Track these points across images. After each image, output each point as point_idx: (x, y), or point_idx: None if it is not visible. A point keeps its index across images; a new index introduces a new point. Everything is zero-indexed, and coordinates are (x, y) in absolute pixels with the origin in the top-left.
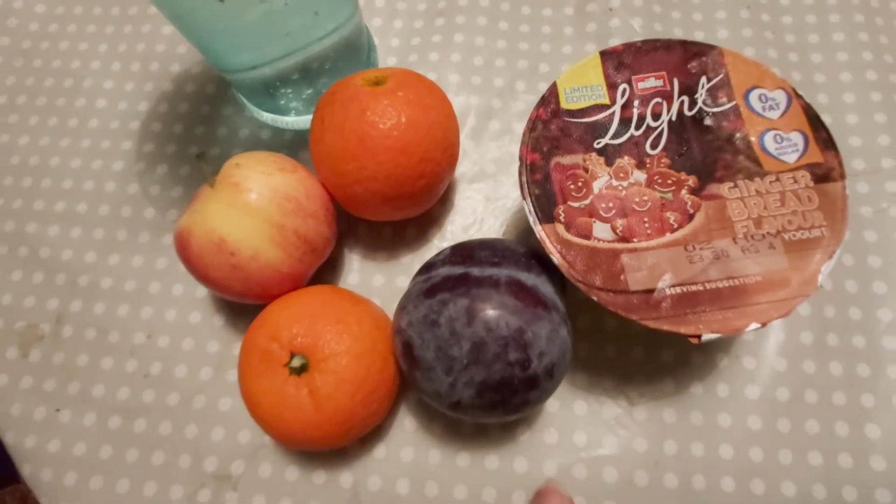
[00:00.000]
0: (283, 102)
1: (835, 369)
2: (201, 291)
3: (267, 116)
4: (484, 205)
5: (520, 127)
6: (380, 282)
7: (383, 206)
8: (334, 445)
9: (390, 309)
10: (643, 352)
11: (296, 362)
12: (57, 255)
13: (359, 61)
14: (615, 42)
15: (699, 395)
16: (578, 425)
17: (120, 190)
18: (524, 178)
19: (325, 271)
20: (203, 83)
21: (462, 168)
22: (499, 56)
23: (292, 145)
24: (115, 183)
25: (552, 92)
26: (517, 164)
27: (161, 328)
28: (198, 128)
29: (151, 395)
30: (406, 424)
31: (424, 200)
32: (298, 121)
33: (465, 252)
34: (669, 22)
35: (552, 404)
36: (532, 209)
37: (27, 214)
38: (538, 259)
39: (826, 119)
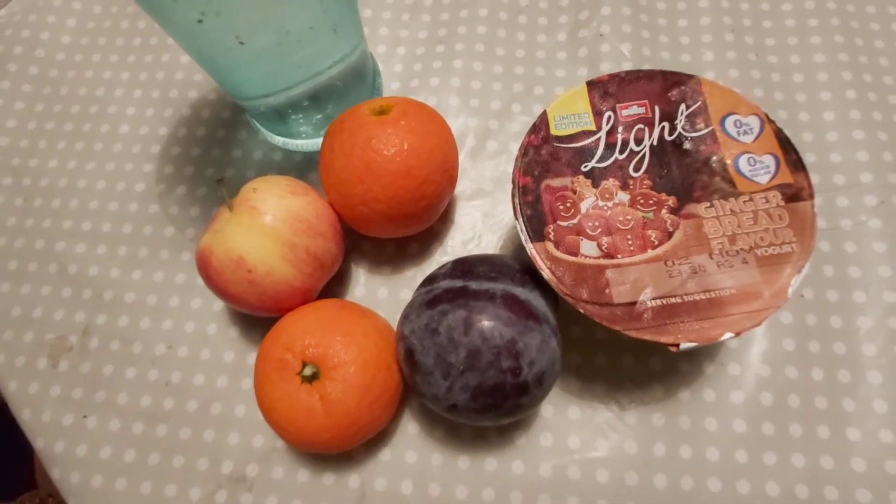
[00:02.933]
0: (293, 127)
1: (816, 375)
2: (217, 305)
3: (279, 140)
4: (482, 221)
5: (516, 147)
6: (384, 294)
7: (387, 225)
8: (343, 448)
9: (395, 320)
10: (632, 360)
11: (308, 371)
12: (84, 271)
13: (365, 87)
14: (606, 66)
15: (686, 400)
16: (572, 429)
17: (142, 210)
18: (517, 200)
19: (334, 285)
20: (219, 109)
21: (461, 186)
22: (496, 80)
23: (302, 166)
24: (137, 203)
25: (543, 119)
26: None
27: (181, 339)
28: (214, 151)
29: (172, 402)
30: (409, 429)
31: (426, 219)
32: (308, 143)
33: (465, 267)
34: (657, 46)
35: (547, 409)
36: (524, 229)
37: (56, 233)
38: (532, 275)
39: (807, 136)
